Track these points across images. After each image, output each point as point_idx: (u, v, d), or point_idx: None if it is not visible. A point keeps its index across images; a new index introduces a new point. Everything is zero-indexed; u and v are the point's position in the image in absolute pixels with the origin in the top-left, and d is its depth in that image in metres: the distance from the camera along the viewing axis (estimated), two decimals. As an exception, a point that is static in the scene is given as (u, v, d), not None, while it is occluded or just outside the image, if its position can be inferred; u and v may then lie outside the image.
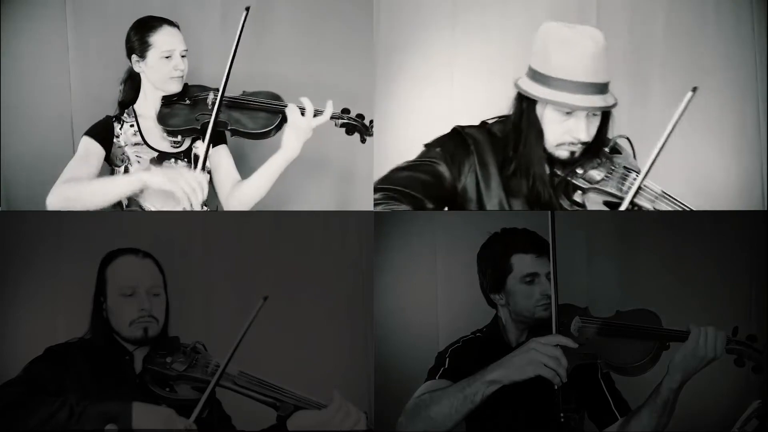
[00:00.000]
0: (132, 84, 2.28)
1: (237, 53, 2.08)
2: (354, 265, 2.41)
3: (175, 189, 2.02)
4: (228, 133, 2.23)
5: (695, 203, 2.24)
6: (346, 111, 2.24)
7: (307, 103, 2.16)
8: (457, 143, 2.00)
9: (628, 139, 1.98)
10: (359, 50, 2.56)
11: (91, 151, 2.19)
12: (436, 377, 1.88)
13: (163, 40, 2.19)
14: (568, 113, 1.88)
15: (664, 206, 1.89)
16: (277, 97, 2.24)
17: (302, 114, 2.16)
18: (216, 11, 2.57)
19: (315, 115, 2.16)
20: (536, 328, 1.91)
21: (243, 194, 2.26)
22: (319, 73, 2.58)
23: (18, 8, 2.47)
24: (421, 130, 2.21)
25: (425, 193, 1.94)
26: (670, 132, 1.82)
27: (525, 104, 1.94)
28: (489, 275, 1.99)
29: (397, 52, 2.64)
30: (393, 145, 2.36)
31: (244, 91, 2.27)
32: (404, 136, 2.31)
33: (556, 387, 1.66)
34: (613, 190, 1.92)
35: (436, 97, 2.63)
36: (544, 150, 1.95)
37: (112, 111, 2.28)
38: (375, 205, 1.92)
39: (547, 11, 2.67)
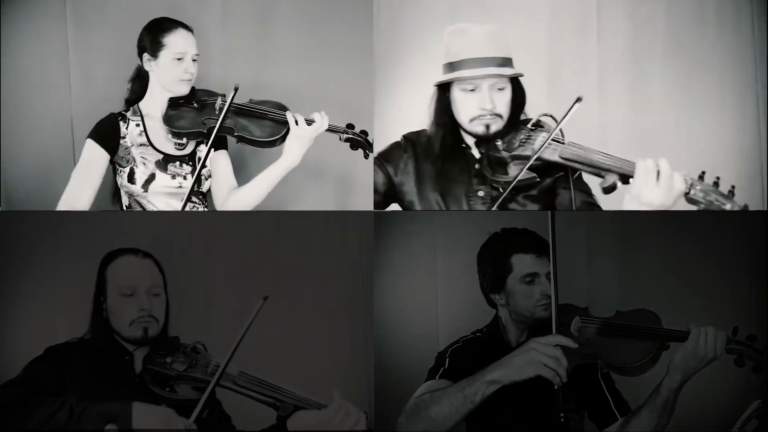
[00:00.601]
0: (140, 83, 2.28)
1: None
2: (354, 265, 2.41)
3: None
4: (234, 139, 2.23)
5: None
6: (350, 126, 2.25)
7: (316, 116, 2.18)
8: (392, 147, 2.19)
9: (552, 116, 2.04)
10: (359, 54, 2.56)
11: (95, 157, 2.19)
12: (436, 377, 1.88)
13: (176, 42, 2.20)
14: (471, 90, 2.02)
15: (568, 153, 1.95)
16: (283, 108, 2.24)
17: (309, 124, 2.18)
18: (216, 11, 2.57)
19: (309, 124, 2.17)
20: (536, 328, 1.91)
21: (239, 200, 2.26)
22: (319, 74, 2.58)
23: (18, 8, 2.47)
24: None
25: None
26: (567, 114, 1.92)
27: (441, 97, 2.09)
28: (489, 275, 1.99)
29: (397, 55, 2.64)
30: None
31: (251, 99, 2.27)
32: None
33: (556, 387, 1.66)
34: (529, 153, 1.99)
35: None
36: (464, 131, 2.09)
37: (113, 110, 2.27)
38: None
39: (547, 12, 2.67)
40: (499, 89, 2.03)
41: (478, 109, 2.03)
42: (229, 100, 2.10)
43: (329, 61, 2.59)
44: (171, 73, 2.21)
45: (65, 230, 2.27)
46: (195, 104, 2.24)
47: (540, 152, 1.95)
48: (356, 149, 2.27)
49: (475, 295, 2.04)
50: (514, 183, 1.96)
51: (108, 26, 2.51)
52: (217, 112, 2.20)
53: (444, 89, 2.09)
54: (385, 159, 2.18)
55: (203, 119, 2.21)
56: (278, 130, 2.21)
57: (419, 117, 2.24)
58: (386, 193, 2.19)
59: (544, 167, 2.00)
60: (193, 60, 2.23)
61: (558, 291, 1.73)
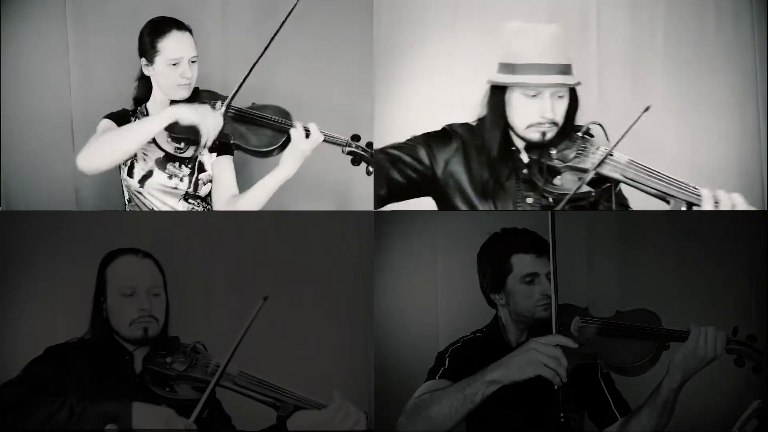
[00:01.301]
0: (145, 82, 2.25)
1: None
2: (354, 265, 2.41)
3: (201, 124, 2.05)
4: (231, 146, 2.20)
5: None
6: (356, 138, 2.17)
7: (312, 127, 2.12)
8: (439, 134, 2.11)
9: (600, 125, 2.02)
10: (359, 54, 2.56)
11: (108, 128, 2.16)
12: (436, 377, 1.88)
13: (171, 46, 2.15)
14: (533, 96, 1.97)
15: (632, 173, 1.93)
16: (285, 113, 2.18)
17: (306, 136, 2.11)
18: (216, 11, 2.57)
19: (307, 136, 2.11)
20: (536, 328, 1.91)
21: (237, 208, 2.24)
22: (318, 76, 2.58)
23: (18, 8, 2.47)
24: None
25: (404, 168, 2.09)
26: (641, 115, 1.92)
27: (495, 96, 2.04)
28: (489, 275, 1.99)
29: (396, 59, 2.64)
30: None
31: (253, 103, 2.22)
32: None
33: (556, 387, 1.66)
34: (588, 166, 1.96)
35: (436, 99, 2.63)
36: (517, 136, 2.04)
37: (115, 110, 2.27)
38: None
39: (548, 12, 2.67)
40: (559, 97, 1.99)
41: (539, 116, 1.98)
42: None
43: (329, 62, 2.59)
44: (168, 79, 2.17)
45: (65, 230, 2.27)
46: None
47: (598, 167, 1.92)
48: (357, 165, 2.18)
49: (475, 295, 2.04)
50: (570, 196, 1.91)
51: (108, 26, 2.51)
52: None
53: (499, 90, 2.03)
54: (429, 144, 2.09)
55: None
56: (276, 140, 2.14)
57: (420, 117, 2.24)
58: (416, 181, 2.09)
59: (596, 181, 1.95)
60: (192, 62, 2.18)
61: (558, 291, 1.73)
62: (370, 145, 2.18)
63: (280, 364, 2.02)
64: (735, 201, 1.86)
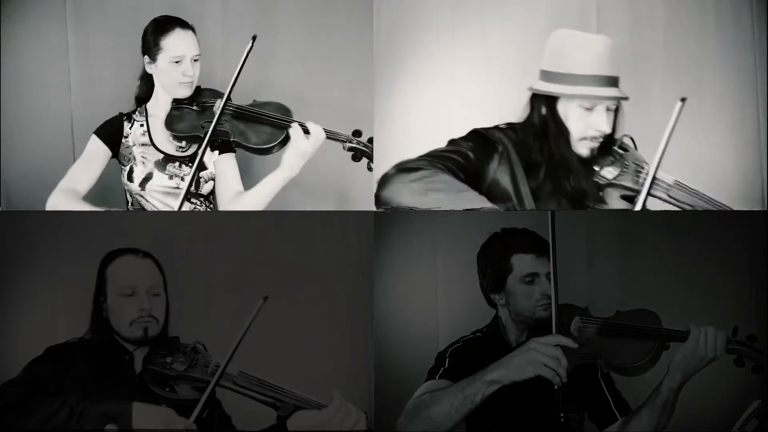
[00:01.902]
0: (148, 81, 2.27)
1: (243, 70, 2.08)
2: (354, 265, 2.41)
3: None
4: (231, 144, 2.21)
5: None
6: (357, 133, 2.18)
7: (312, 126, 2.13)
8: (481, 139, 2.00)
9: (631, 138, 2.04)
10: (359, 54, 2.56)
11: (96, 152, 2.21)
12: (436, 377, 1.88)
13: (173, 44, 2.17)
14: (588, 108, 1.94)
15: (679, 195, 1.95)
16: (285, 110, 2.20)
17: (306, 136, 2.12)
18: (216, 11, 2.57)
19: (306, 134, 2.11)
20: (536, 328, 1.91)
21: (241, 206, 2.24)
22: (319, 75, 2.58)
23: (18, 8, 2.47)
24: (422, 133, 2.22)
25: (460, 169, 1.94)
26: (673, 127, 1.90)
27: (545, 107, 1.98)
28: (489, 275, 1.99)
29: (397, 55, 2.64)
30: (393, 150, 2.34)
31: (254, 100, 2.24)
32: (403, 143, 2.30)
33: (556, 387, 1.66)
34: (630, 184, 1.97)
35: (436, 101, 2.63)
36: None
37: (113, 110, 2.27)
38: (406, 170, 1.90)
39: (548, 13, 2.67)
40: (609, 110, 1.96)
41: (593, 130, 1.95)
42: (221, 106, 2.08)
43: (329, 61, 2.59)
44: (170, 77, 2.19)
45: (65, 230, 2.27)
46: (196, 106, 2.23)
47: (645, 188, 1.91)
48: (358, 160, 2.19)
49: (475, 295, 2.04)
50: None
51: (108, 26, 2.51)
52: (216, 115, 2.16)
53: (547, 99, 1.97)
54: (474, 155, 1.96)
55: (202, 122, 2.19)
56: (275, 137, 2.15)
57: (421, 116, 2.24)
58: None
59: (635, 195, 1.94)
60: (195, 60, 2.20)
61: (558, 291, 1.73)
62: (371, 140, 2.19)
63: (280, 364, 2.02)
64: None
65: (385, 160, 2.21)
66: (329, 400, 1.75)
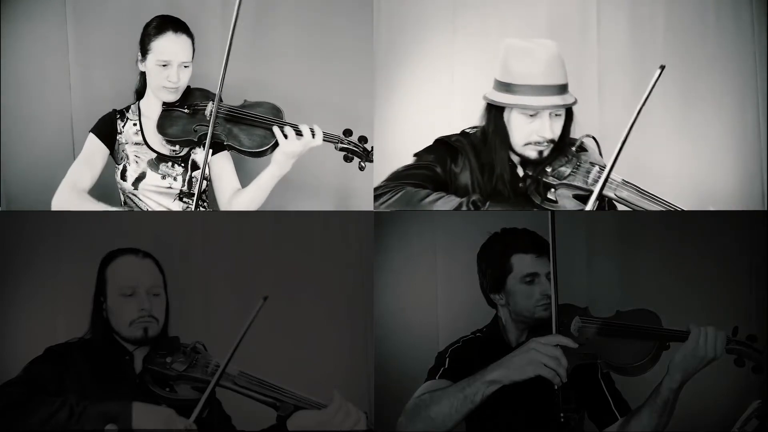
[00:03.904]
0: (144, 77, 2.26)
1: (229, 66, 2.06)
2: (354, 265, 2.41)
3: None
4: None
5: (695, 203, 2.24)
6: (348, 133, 2.19)
7: (304, 128, 2.14)
8: (445, 147, 2.13)
9: (594, 138, 2.08)
10: (359, 55, 2.56)
11: (95, 150, 2.21)
12: (436, 377, 1.88)
13: (162, 47, 2.16)
14: (532, 115, 2.02)
15: (625, 194, 1.99)
16: (277, 110, 2.20)
17: (298, 135, 2.13)
18: (215, 11, 2.56)
19: (299, 136, 2.12)
20: (536, 328, 1.91)
21: (240, 203, 2.24)
22: (318, 76, 2.58)
23: (18, 8, 2.47)
24: (422, 134, 2.22)
25: (427, 181, 2.08)
26: (634, 121, 1.93)
27: (493, 113, 2.08)
28: (489, 275, 1.99)
29: (397, 58, 2.64)
30: (393, 152, 2.34)
31: (245, 100, 2.24)
32: (403, 143, 2.30)
33: (556, 387, 1.66)
34: (580, 184, 2.02)
35: (435, 101, 2.63)
36: (513, 152, 2.08)
37: (115, 108, 2.27)
38: (377, 196, 2.05)
39: (547, 14, 2.67)
40: (556, 115, 2.04)
41: (537, 135, 2.03)
42: (214, 109, 2.07)
43: (328, 62, 2.59)
44: (155, 79, 2.18)
45: (65, 230, 2.27)
46: (187, 109, 2.21)
47: (597, 188, 1.93)
48: (350, 161, 2.20)
49: (475, 295, 2.04)
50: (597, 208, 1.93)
51: (108, 26, 2.51)
52: (207, 119, 2.15)
53: (499, 109, 2.07)
54: (440, 161, 2.11)
55: (194, 126, 2.18)
56: (268, 140, 2.15)
57: (420, 119, 2.24)
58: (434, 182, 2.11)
59: (588, 196, 1.99)
60: (185, 66, 2.18)
61: (558, 291, 1.73)
62: (362, 139, 2.19)
63: (280, 364, 2.02)
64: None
65: (384, 161, 2.22)
66: (329, 400, 1.75)
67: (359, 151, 2.19)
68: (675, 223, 2.37)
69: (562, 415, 1.68)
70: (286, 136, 2.13)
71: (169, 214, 2.22)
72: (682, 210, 2.00)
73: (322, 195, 2.62)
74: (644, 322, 1.81)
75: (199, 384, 1.75)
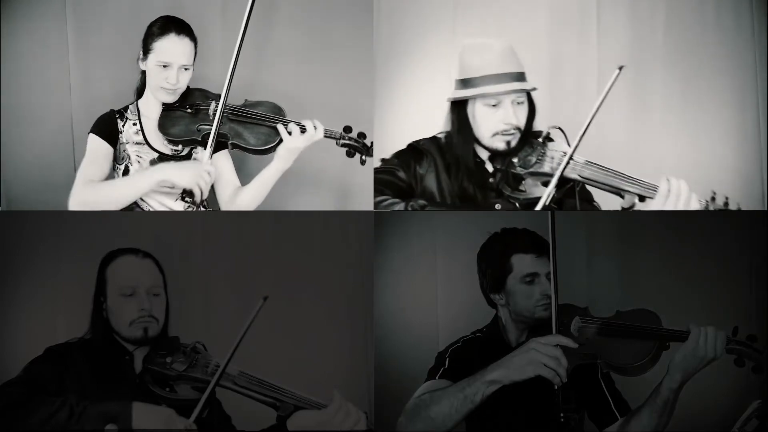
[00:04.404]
0: (144, 76, 2.25)
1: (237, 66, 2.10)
2: (354, 265, 2.41)
3: (191, 185, 2.07)
4: (228, 146, 2.21)
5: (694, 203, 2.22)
6: (347, 129, 2.21)
7: (308, 123, 2.16)
8: (412, 151, 2.17)
9: (561, 129, 2.09)
10: (359, 55, 2.56)
11: (99, 150, 2.19)
12: (436, 377, 1.88)
13: (164, 49, 2.15)
14: (494, 105, 2.05)
15: (588, 172, 2.01)
16: (279, 109, 2.22)
17: (302, 131, 2.15)
18: (216, 10, 2.56)
19: (303, 132, 2.15)
20: (536, 328, 1.91)
21: (243, 200, 2.25)
22: (318, 76, 2.58)
23: (18, 8, 2.47)
24: (421, 133, 2.22)
25: (387, 187, 2.14)
26: (597, 110, 1.95)
27: (457, 110, 2.11)
28: (489, 275, 1.99)
29: (397, 58, 2.64)
30: (393, 149, 2.34)
31: (246, 100, 2.24)
32: (403, 142, 2.30)
33: (556, 387, 1.66)
34: (547, 170, 2.04)
35: (435, 101, 2.62)
36: (481, 146, 2.11)
37: (114, 108, 2.27)
38: None
39: (548, 14, 2.67)
40: (519, 103, 2.07)
41: (502, 123, 2.05)
42: (219, 111, 2.08)
43: (329, 62, 2.59)
44: (154, 79, 2.17)
45: (65, 230, 2.27)
46: (189, 109, 2.21)
47: (561, 171, 1.98)
48: (352, 156, 2.23)
49: (475, 295, 2.04)
50: (542, 205, 1.96)
51: (108, 26, 2.51)
52: (210, 118, 2.16)
53: (461, 106, 2.10)
54: (405, 165, 2.16)
55: (197, 126, 2.18)
56: (273, 138, 2.17)
57: (420, 119, 2.24)
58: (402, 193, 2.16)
59: (559, 182, 2.01)
60: (185, 69, 2.17)
61: (558, 291, 1.73)
62: (361, 135, 2.22)
63: (280, 364, 2.02)
64: (681, 187, 1.92)
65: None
66: (329, 400, 1.75)
67: (360, 147, 2.22)
68: (675, 223, 2.37)
69: (562, 415, 1.68)
70: (290, 133, 2.15)
71: (169, 214, 2.22)
72: (684, 211, 2.00)
73: (325, 188, 2.62)
74: (644, 322, 1.81)
75: (199, 384, 1.75)
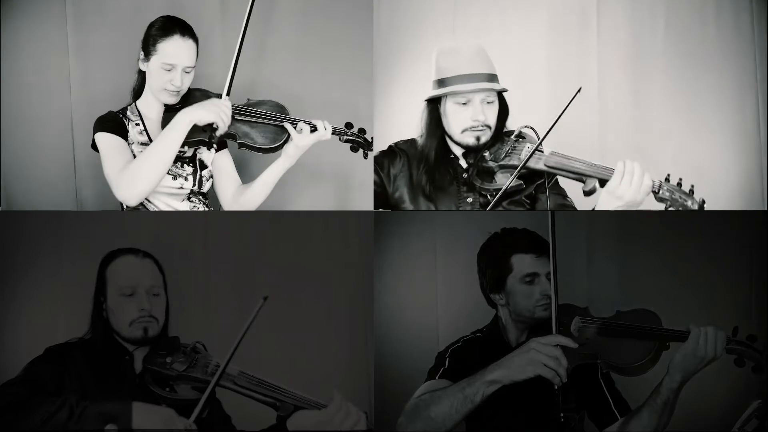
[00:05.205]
0: (142, 76, 2.23)
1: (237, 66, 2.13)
2: (354, 265, 2.41)
3: (217, 120, 2.11)
4: (236, 145, 2.21)
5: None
6: (349, 126, 2.27)
7: (318, 123, 2.20)
8: (386, 155, 2.26)
9: (533, 128, 2.14)
10: (359, 54, 2.56)
11: (114, 143, 2.13)
12: (436, 377, 1.88)
13: (168, 50, 2.13)
14: (464, 103, 2.13)
15: (554, 160, 2.06)
16: (281, 108, 2.24)
17: (312, 131, 2.19)
18: (216, 10, 2.56)
19: (312, 131, 2.19)
20: (536, 328, 1.91)
21: (246, 199, 2.25)
22: (319, 75, 2.58)
23: (18, 8, 2.47)
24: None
25: None
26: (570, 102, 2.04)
27: (429, 108, 2.20)
28: (489, 275, 1.99)
29: (397, 57, 2.64)
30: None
31: (248, 99, 2.25)
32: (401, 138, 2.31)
33: (556, 387, 1.66)
34: (516, 163, 2.11)
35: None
36: (454, 142, 2.18)
37: (113, 109, 2.27)
38: None
39: (548, 13, 2.67)
40: (489, 102, 2.14)
41: (471, 120, 2.12)
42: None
43: (329, 61, 2.59)
44: (157, 80, 2.15)
45: (65, 230, 2.27)
46: None
47: (527, 161, 2.06)
48: (356, 151, 2.29)
49: (475, 295, 2.04)
50: (504, 190, 2.06)
51: (108, 26, 2.51)
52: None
53: (434, 104, 2.19)
54: (379, 166, 2.25)
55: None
56: (280, 136, 2.20)
57: (419, 117, 2.24)
58: (377, 198, 2.26)
59: (529, 175, 2.10)
60: (186, 72, 2.16)
61: (558, 291, 1.74)
62: (361, 130, 2.28)
63: (280, 364, 2.02)
64: (636, 168, 1.96)
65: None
66: (329, 400, 1.75)
67: (362, 142, 2.28)
68: (675, 223, 2.37)
69: (562, 415, 1.68)
70: (300, 131, 2.19)
71: (169, 214, 2.22)
72: (684, 211, 2.00)
73: (328, 181, 2.63)
74: (644, 322, 1.82)
75: (199, 384, 1.75)
